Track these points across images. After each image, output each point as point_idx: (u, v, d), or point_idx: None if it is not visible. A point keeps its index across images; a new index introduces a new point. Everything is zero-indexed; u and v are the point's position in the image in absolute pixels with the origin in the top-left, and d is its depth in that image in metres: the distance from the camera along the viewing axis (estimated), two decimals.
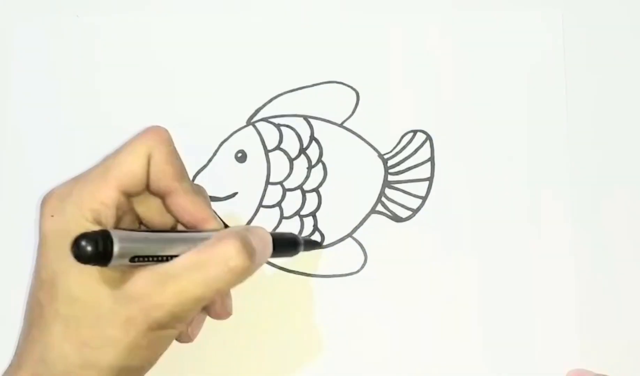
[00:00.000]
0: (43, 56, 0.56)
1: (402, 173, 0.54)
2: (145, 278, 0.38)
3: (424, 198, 0.54)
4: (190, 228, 0.43)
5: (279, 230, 0.53)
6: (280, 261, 0.52)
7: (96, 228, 0.39)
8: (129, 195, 0.42)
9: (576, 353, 0.52)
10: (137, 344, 0.39)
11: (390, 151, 0.54)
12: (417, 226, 0.53)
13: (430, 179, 0.54)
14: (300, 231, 0.53)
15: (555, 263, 0.53)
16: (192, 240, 0.40)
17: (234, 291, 0.49)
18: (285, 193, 0.54)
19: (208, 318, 0.49)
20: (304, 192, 0.54)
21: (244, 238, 0.39)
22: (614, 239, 0.53)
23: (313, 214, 0.53)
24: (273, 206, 0.53)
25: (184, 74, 0.55)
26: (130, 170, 0.41)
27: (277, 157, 0.54)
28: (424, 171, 0.54)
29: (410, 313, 0.52)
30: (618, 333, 0.52)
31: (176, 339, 0.43)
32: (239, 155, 0.54)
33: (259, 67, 0.55)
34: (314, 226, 0.53)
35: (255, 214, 0.53)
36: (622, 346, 0.52)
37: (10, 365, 0.41)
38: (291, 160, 0.54)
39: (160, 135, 0.42)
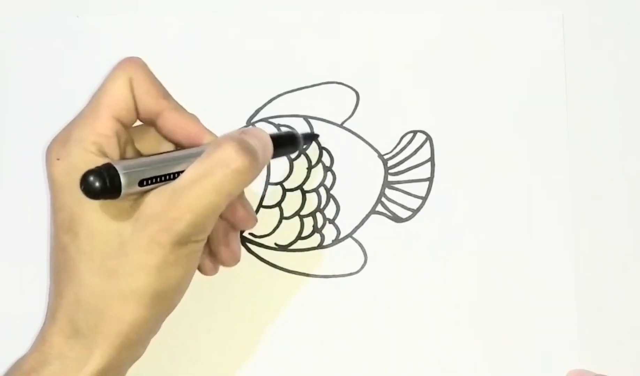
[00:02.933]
0: (43, 56, 0.56)
1: (402, 173, 0.54)
2: (158, 197, 0.40)
3: (424, 199, 0.54)
4: (186, 146, 0.44)
5: (278, 231, 0.53)
6: (280, 261, 0.52)
7: (103, 159, 0.40)
8: (124, 124, 0.42)
9: (576, 353, 0.52)
10: (165, 263, 0.40)
11: (390, 151, 0.54)
12: (417, 226, 0.53)
13: (430, 179, 0.54)
14: (300, 231, 0.53)
15: (555, 263, 0.53)
16: (194, 154, 0.41)
17: (232, 291, 0.50)
18: (285, 194, 0.54)
19: (205, 316, 0.49)
20: (303, 192, 0.54)
21: (240, 139, 0.41)
22: (615, 239, 0.53)
23: (313, 214, 0.53)
24: (273, 206, 0.53)
25: (183, 75, 0.55)
26: (118, 96, 0.42)
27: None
28: (424, 171, 0.54)
29: (411, 313, 0.52)
30: (618, 333, 0.52)
31: (205, 271, 0.46)
32: None
33: (258, 68, 0.55)
34: (313, 226, 0.53)
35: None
36: (622, 346, 0.52)
37: (45, 319, 0.42)
38: (291, 161, 0.54)
39: (136, 61, 0.43)
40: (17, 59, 0.56)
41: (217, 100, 0.55)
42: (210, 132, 0.44)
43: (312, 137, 0.54)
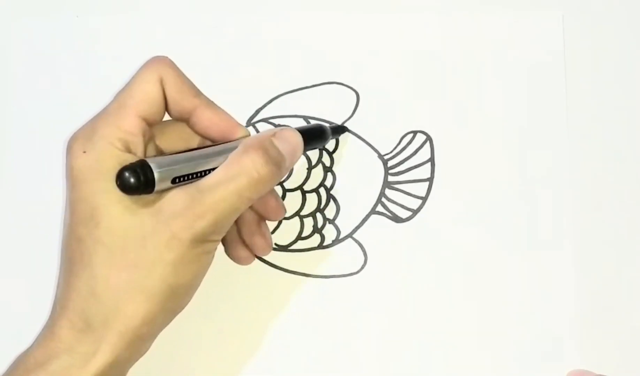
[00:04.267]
0: (43, 56, 0.56)
1: (402, 173, 0.54)
2: (183, 195, 0.40)
3: (424, 199, 0.54)
4: (218, 141, 0.45)
5: (278, 231, 0.53)
6: (280, 261, 0.52)
7: (129, 156, 0.41)
8: (149, 123, 0.43)
9: (576, 353, 0.52)
10: (183, 260, 0.40)
11: (391, 152, 0.54)
12: (417, 227, 0.53)
13: (430, 180, 0.54)
14: (301, 231, 0.53)
15: (555, 263, 0.53)
16: (224, 151, 0.43)
17: (232, 292, 0.50)
18: (285, 194, 0.54)
19: (205, 316, 0.49)
20: (303, 193, 0.54)
21: (267, 148, 0.42)
22: (615, 239, 0.53)
23: (313, 215, 0.53)
24: None
25: None
26: (147, 96, 0.42)
27: None
28: (424, 172, 0.54)
29: (410, 313, 0.52)
30: (618, 334, 0.52)
31: (241, 261, 0.48)
32: None
33: (259, 68, 0.55)
34: (313, 226, 0.53)
35: None
36: (622, 346, 0.52)
37: (52, 312, 0.42)
38: None
39: (165, 60, 0.44)
40: (17, 59, 0.56)
41: (217, 100, 0.54)
42: (243, 127, 0.45)
43: (340, 129, 0.54)
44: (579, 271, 0.53)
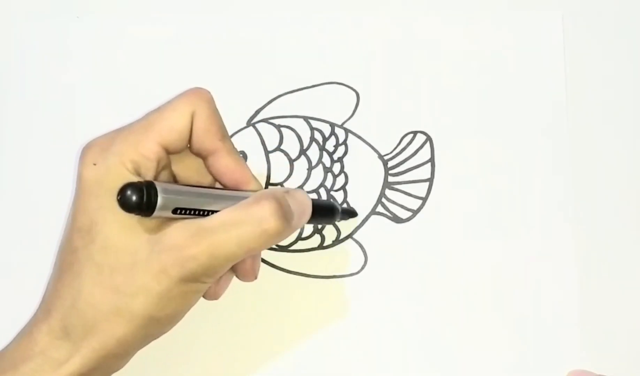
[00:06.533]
0: (43, 56, 0.56)
1: (402, 174, 0.54)
2: (182, 230, 0.39)
3: (424, 199, 0.54)
4: (229, 188, 0.44)
5: None
6: (280, 262, 0.53)
7: (136, 179, 0.40)
8: (169, 152, 0.42)
9: (577, 353, 0.52)
10: (168, 294, 0.40)
11: (391, 152, 0.54)
12: (417, 227, 0.53)
13: (430, 180, 0.54)
14: (301, 232, 0.53)
15: (556, 263, 0.53)
16: (233, 198, 0.42)
17: (232, 292, 0.50)
18: None
19: (205, 317, 0.49)
20: None
21: (280, 200, 0.40)
22: (616, 239, 0.53)
23: None
24: None
25: (183, 75, 0.55)
26: (174, 126, 0.42)
27: (277, 158, 0.54)
28: (424, 172, 0.54)
29: (411, 314, 0.52)
30: (619, 334, 0.52)
31: (203, 296, 0.45)
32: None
33: (259, 68, 0.55)
34: (314, 227, 0.53)
35: None
36: (623, 347, 0.52)
37: (37, 312, 0.42)
38: (291, 161, 0.54)
39: (204, 95, 0.43)
40: (17, 59, 0.56)
41: (218, 100, 0.54)
42: (257, 181, 0.44)
43: (350, 213, 0.53)
44: (581, 271, 0.53)
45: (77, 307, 0.40)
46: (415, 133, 0.55)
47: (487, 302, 0.52)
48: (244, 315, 0.52)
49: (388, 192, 0.54)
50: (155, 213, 0.39)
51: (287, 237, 0.42)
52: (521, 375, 0.51)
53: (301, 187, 0.54)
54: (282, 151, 0.54)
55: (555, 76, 0.55)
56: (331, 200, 0.53)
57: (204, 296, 0.45)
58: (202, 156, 0.44)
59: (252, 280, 0.47)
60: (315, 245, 0.53)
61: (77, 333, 0.40)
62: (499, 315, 0.52)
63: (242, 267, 0.46)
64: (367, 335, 0.52)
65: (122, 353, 0.41)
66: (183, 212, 0.40)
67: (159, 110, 0.42)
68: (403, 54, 0.55)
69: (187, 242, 0.39)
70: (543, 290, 0.52)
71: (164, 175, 0.43)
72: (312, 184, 0.54)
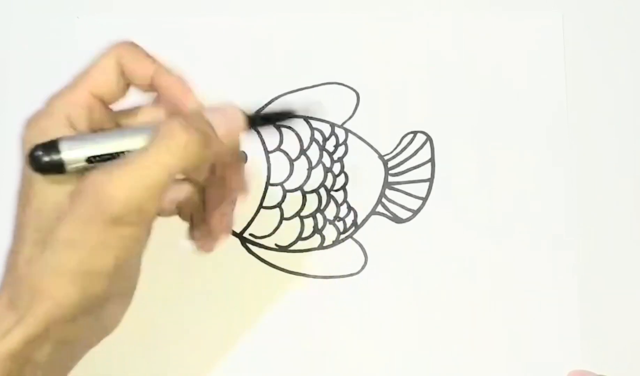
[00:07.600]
0: (43, 56, 0.56)
1: (402, 174, 0.54)
2: (98, 174, 0.38)
3: (424, 200, 0.54)
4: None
5: (278, 232, 0.53)
6: (280, 262, 0.53)
7: (68, 131, 0.39)
8: (105, 100, 0.41)
9: (578, 353, 0.52)
10: (98, 244, 0.38)
11: (391, 152, 0.54)
12: (417, 227, 0.53)
13: (430, 180, 0.54)
14: (301, 232, 0.53)
15: (556, 263, 0.53)
16: (143, 131, 0.39)
17: (232, 292, 0.50)
18: (285, 194, 0.54)
19: (205, 316, 0.49)
20: (304, 193, 0.54)
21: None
22: (616, 240, 0.53)
23: (313, 215, 0.53)
24: (273, 207, 0.53)
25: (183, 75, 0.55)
26: (98, 71, 0.41)
27: (277, 158, 0.54)
28: (425, 172, 0.54)
29: (411, 314, 0.52)
30: (620, 334, 0.52)
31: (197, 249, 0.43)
32: None
33: (259, 68, 0.55)
34: (314, 227, 0.53)
35: (255, 215, 0.53)
36: (623, 347, 0.52)
37: None
38: (291, 161, 0.54)
39: (124, 42, 0.42)
40: (17, 59, 0.56)
41: (217, 100, 0.55)
42: (195, 98, 0.42)
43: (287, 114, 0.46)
44: (581, 271, 0.53)
45: (20, 276, 0.39)
46: (415, 133, 0.55)
47: (487, 302, 0.52)
48: (244, 316, 0.52)
49: (388, 192, 0.54)
50: (70, 167, 0.38)
51: (214, 148, 0.39)
52: (522, 375, 0.52)
53: (301, 187, 0.54)
54: (282, 151, 0.54)
55: (556, 76, 0.55)
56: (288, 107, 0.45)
57: (200, 250, 0.43)
58: (146, 85, 0.42)
59: (243, 195, 0.43)
60: (315, 245, 0.53)
61: (22, 301, 0.39)
62: (499, 315, 0.52)
63: (232, 179, 0.43)
64: (367, 335, 0.52)
65: (68, 316, 0.39)
66: (99, 159, 0.39)
67: (84, 68, 0.42)
68: (403, 54, 0.55)
69: (101, 183, 0.38)
70: (543, 290, 0.52)
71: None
72: (312, 184, 0.54)
